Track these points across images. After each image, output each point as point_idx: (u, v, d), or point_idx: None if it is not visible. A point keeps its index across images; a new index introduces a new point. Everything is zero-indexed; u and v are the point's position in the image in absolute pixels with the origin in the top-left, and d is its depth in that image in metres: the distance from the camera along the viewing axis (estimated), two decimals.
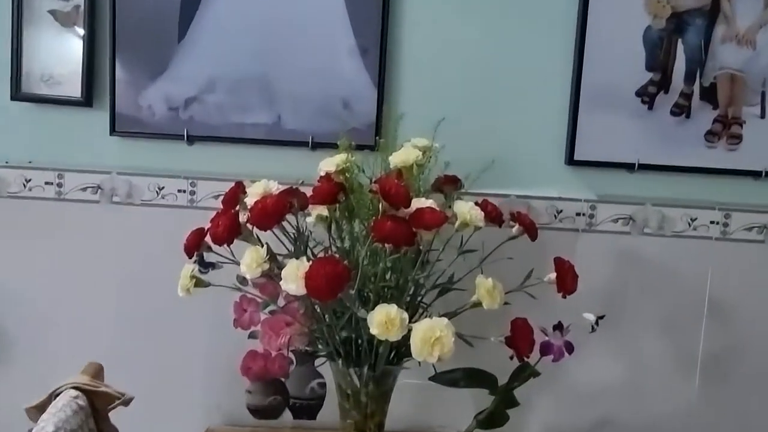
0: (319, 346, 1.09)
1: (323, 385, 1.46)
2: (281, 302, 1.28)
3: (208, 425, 1.44)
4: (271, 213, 0.91)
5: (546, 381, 1.27)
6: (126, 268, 1.42)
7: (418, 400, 1.40)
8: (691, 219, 1.42)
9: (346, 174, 1.00)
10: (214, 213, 1.09)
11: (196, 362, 1.44)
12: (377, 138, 1.29)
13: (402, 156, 1.02)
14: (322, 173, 1.02)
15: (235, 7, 1.36)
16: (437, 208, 0.93)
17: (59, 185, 1.41)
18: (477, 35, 1.38)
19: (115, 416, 1.09)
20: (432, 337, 0.84)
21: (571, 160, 1.38)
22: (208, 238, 1.04)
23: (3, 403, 0.97)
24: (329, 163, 0.99)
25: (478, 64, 1.38)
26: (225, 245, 0.98)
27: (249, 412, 1.45)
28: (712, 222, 1.42)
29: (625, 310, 1.43)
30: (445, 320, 0.87)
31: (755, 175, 1.40)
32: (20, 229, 1.42)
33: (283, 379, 1.46)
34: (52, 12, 1.35)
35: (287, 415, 1.46)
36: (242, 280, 1.17)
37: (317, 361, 1.45)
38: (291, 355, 1.45)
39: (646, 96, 1.37)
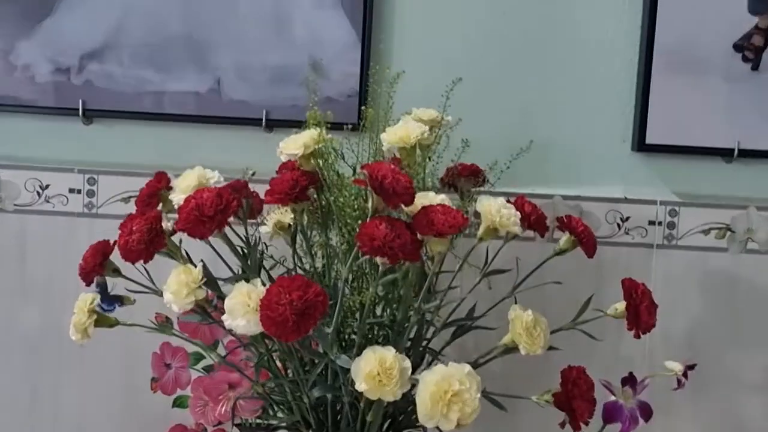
0: (279, 415, 1.08)
1: None
2: (221, 351, 1.28)
3: None
4: (208, 214, 0.90)
5: None
6: None
7: None
8: None
9: (319, 159, 0.99)
10: (116, 222, 1.08)
11: None
12: (362, 109, 1.30)
13: (400, 133, 1.01)
14: (284, 158, 1.01)
15: None
16: (452, 207, 0.92)
17: None
18: None
19: None
20: (448, 392, 0.83)
21: (641, 146, 1.40)
22: (114, 255, 1.03)
23: None
24: (294, 143, 0.99)
25: (504, 14, 1.40)
26: (140, 262, 0.97)
27: None
28: None
29: (722, 357, 1.43)
30: (467, 367, 0.86)
31: None
32: None
33: None
34: None
35: None
36: (163, 320, 1.16)
37: None
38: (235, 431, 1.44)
39: (750, 50, 1.38)
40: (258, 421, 1.37)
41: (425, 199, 0.93)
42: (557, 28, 1.41)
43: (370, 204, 0.92)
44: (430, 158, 1.09)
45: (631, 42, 1.40)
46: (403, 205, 0.91)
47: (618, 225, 1.42)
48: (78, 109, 1.38)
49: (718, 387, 1.44)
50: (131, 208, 1.34)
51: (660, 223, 1.42)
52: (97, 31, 1.38)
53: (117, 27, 1.37)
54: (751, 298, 1.44)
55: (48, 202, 1.41)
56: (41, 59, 1.38)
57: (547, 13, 1.40)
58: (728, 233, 1.43)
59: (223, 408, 1.38)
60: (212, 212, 0.90)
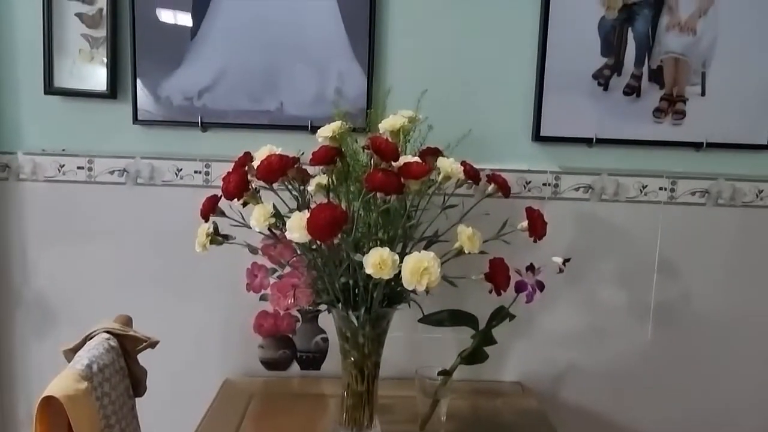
0: (322, 297, 1.07)
1: (326, 340, 1.44)
2: (287, 269, 1.27)
3: (226, 376, 1.42)
4: (275, 168, 0.89)
5: (519, 326, 1.29)
6: (151, 240, 1.40)
7: (408, 347, 1.39)
8: (642, 186, 1.42)
9: (341, 139, 0.98)
10: None
11: (215, 321, 1.42)
12: (368, 111, 1.28)
13: (390, 121, 1.00)
14: (320, 141, 1.00)
15: (241, 7, 1.34)
16: (422, 162, 0.91)
17: (89, 170, 1.39)
18: (454, 27, 1.36)
19: (143, 362, 1.07)
20: (420, 267, 0.82)
21: (537, 137, 1.37)
22: (221, 203, 1.02)
23: (51, 369, 0.94)
24: (326, 129, 0.97)
25: (456, 51, 1.37)
26: (236, 201, 0.96)
27: (261, 364, 1.44)
28: (660, 188, 1.42)
29: (586, 266, 1.41)
30: (431, 253, 0.85)
31: (697, 146, 1.40)
32: (56, 209, 1.39)
33: (290, 335, 1.44)
34: (79, 15, 1.33)
35: (295, 366, 1.45)
36: (252, 249, 1.15)
37: (320, 317, 1.44)
38: (297, 314, 1.44)
39: (602, 78, 1.36)
40: (310, 307, 1.37)
41: (406, 159, 0.92)
42: (484, 60, 1.37)
43: (371, 162, 0.91)
44: (408, 140, 1.07)
45: (530, 68, 1.37)
46: (392, 161, 0.90)
47: (524, 186, 1.40)
48: (198, 122, 1.36)
49: (584, 284, 1.43)
50: None
51: (549, 185, 1.41)
52: (209, 74, 1.35)
53: (221, 71, 1.35)
54: (604, 228, 1.42)
55: (181, 179, 1.40)
56: (176, 92, 1.36)
57: (478, 51, 1.37)
58: (590, 190, 1.41)
59: (290, 300, 1.37)
60: (277, 168, 0.89)
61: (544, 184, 1.41)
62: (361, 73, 1.35)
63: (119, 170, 1.39)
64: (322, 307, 1.08)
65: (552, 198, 1.41)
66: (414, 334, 1.38)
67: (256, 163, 0.95)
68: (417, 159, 0.91)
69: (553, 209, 1.39)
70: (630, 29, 1.35)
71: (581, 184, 1.41)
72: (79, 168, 1.39)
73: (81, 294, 1.40)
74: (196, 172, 1.39)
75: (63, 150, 1.39)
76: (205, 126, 1.37)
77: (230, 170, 0.98)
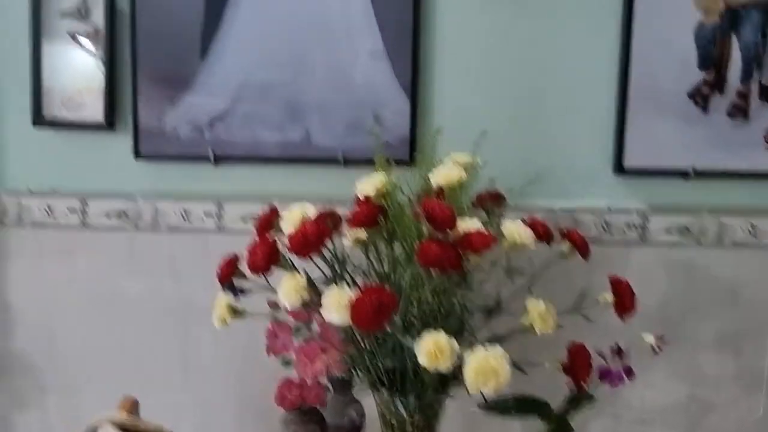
0: (359, 374, 1.09)
1: (362, 413, 1.46)
2: (315, 328, 1.30)
3: None
4: (311, 241, 0.92)
5: (602, 404, 1.29)
6: (154, 295, 1.45)
7: (465, 428, 1.40)
8: (751, 227, 1.41)
9: (386, 196, 1.00)
10: (242, 237, 1.11)
11: (229, 393, 1.47)
12: (413, 153, 1.31)
13: (444, 175, 1.03)
14: (361, 196, 1.03)
15: (259, 20, 1.39)
16: (484, 230, 0.93)
17: (83, 212, 1.45)
18: (514, 37, 1.39)
19: None
20: (487, 368, 0.84)
21: (619, 169, 1.38)
22: (243, 266, 1.06)
23: None
24: (368, 185, 1.00)
25: (515, 67, 1.39)
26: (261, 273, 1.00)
27: None
28: None
29: (684, 327, 1.41)
30: (500, 350, 0.87)
31: None
32: (45, 258, 1.46)
33: (319, 408, 1.46)
34: (72, 34, 1.39)
35: None
36: (273, 305, 1.18)
37: (356, 389, 1.46)
38: (327, 383, 1.46)
39: (700, 97, 1.36)
40: (344, 376, 1.39)
41: (464, 223, 0.94)
42: (551, 78, 1.39)
43: (425, 230, 0.93)
44: (464, 191, 1.09)
45: (609, 86, 1.38)
46: (448, 230, 0.92)
47: (603, 228, 1.41)
48: (209, 156, 1.41)
49: (682, 350, 1.42)
50: (249, 226, 1.40)
51: (635, 227, 1.41)
52: (221, 100, 1.40)
53: (235, 97, 1.40)
54: (705, 280, 1.42)
55: (189, 222, 1.44)
56: (183, 122, 1.41)
57: (543, 66, 1.39)
58: (687, 232, 1.41)
59: (318, 366, 1.39)
60: (314, 241, 0.92)
61: (629, 226, 1.41)
62: (402, 96, 1.38)
63: (117, 213, 1.45)
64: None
65: (639, 243, 1.41)
66: (471, 418, 1.39)
67: (285, 226, 0.98)
68: (477, 225, 0.93)
69: (641, 257, 1.40)
70: (735, 37, 1.35)
71: (675, 226, 1.41)
72: (71, 210, 1.45)
73: (71, 359, 1.47)
74: (206, 214, 1.44)
75: (53, 189, 1.45)
76: (218, 160, 1.42)
77: (255, 239, 1.01)
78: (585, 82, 1.39)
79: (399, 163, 1.29)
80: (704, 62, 1.36)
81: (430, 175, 1.06)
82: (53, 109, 1.41)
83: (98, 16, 1.39)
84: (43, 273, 1.46)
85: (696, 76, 1.36)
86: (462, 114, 1.39)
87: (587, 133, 1.40)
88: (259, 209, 1.38)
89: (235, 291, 1.31)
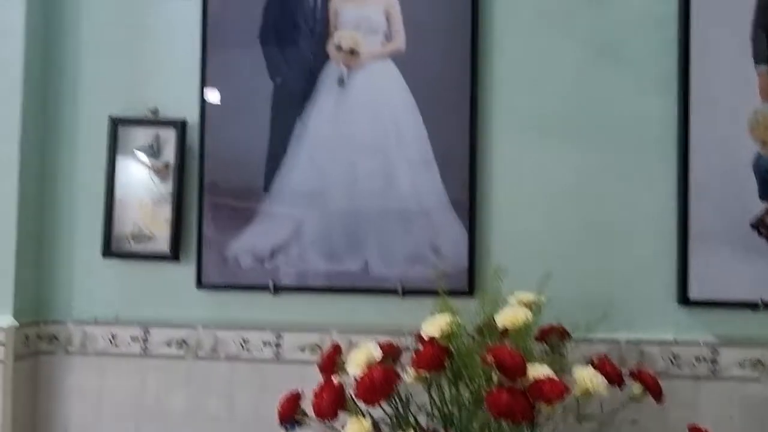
0: None
1: None
2: None
3: None
4: (379, 388, 0.92)
5: None
6: (212, 426, 1.44)
7: None
8: None
9: (451, 338, 1.00)
10: (300, 367, 1.09)
11: None
12: (473, 283, 1.31)
13: (510, 318, 1.02)
14: (424, 336, 1.03)
15: (318, 157, 1.44)
16: (555, 378, 0.91)
17: (144, 341, 1.48)
18: (572, 174, 1.41)
19: None
20: None
21: (684, 300, 1.36)
22: (303, 402, 1.05)
23: None
24: (433, 326, 1.00)
25: (573, 198, 1.41)
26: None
27: None
28: None
29: None
30: None
31: None
32: (107, 386, 1.48)
33: None
34: (144, 168, 1.47)
35: None
36: None
37: None
38: None
39: (764, 227, 1.35)
40: None
41: (534, 370, 0.93)
42: (609, 210, 1.40)
43: (495, 378, 0.92)
44: (529, 331, 1.08)
45: (668, 217, 1.38)
46: (519, 378, 0.90)
47: (671, 362, 1.36)
48: (269, 286, 1.43)
49: None
50: (307, 356, 1.40)
51: (705, 360, 1.36)
52: (283, 231, 1.44)
53: (297, 227, 1.44)
54: None
55: (248, 352, 1.45)
56: (245, 252, 1.45)
57: (600, 197, 1.40)
58: (760, 366, 1.36)
59: None
60: (382, 388, 0.91)
61: (698, 359, 1.36)
62: (460, 227, 1.40)
63: (178, 341, 1.47)
64: None
65: (710, 377, 1.36)
66: None
67: (351, 369, 0.98)
68: (548, 372, 0.91)
69: (712, 392, 1.34)
70: None
71: (748, 359, 1.36)
72: (133, 339, 1.48)
73: None
74: (265, 343, 1.45)
75: (116, 318, 1.48)
76: (278, 289, 1.44)
77: (321, 383, 1.01)
78: (644, 213, 1.39)
79: (458, 294, 1.30)
80: (765, 192, 1.35)
81: (497, 318, 1.05)
82: (122, 241, 1.47)
83: (169, 153, 1.47)
84: (104, 403, 1.47)
85: (758, 206, 1.35)
86: (520, 244, 1.40)
87: (649, 264, 1.38)
88: (318, 339, 1.41)
89: (294, 426, 1.30)
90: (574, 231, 1.40)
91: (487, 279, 1.32)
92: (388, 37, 1.44)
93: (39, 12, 1.48)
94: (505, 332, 1.05)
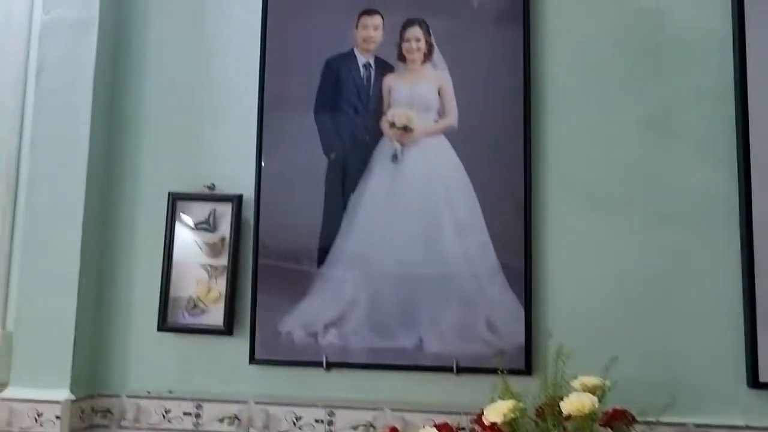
0: None
1: None
2: None
3: None
4: None
5: None
6: None
7: None
8: None
9: (513, 423, 0.97)
10: None
11: None
12: (530, 361, 1.29)
13: (576, 405, 0.99)
14: (486, 422, 1.00)
15: (371, 231, 1.45)
16: None
17: (197, 416, 1.47)
18: (630, 248, 1.38)
19: None
20: None
21: (755, 383, 1.30)
22: None
23: None
24: (495, 412, 0.98)
25: (632, 278, 1.38)
26: None
27: None
28: None
29: None
30: None
31: None
32: None
33: None
34: (200, 244, 1.50)
35: None
36: None
37: None
38: None
39: None
40: None
41: None
42: (670, 286, 1.36)
43: None
44: (594, 417, 1.04)
45: (733, 292, 1.33)
46: None
47: None
48: (322, 362, 1.42)
49: None
50: None
51: None
52: (336, 306, 1.44)
53: (350, 305, 1.44)
54: None
55: (300, 429, 1.43)
56: (299, 327, 1.45)
57: (661, 274, 1.37)
58: None
59: None
60: None
61: None
62: (516, 303, 1.38)
63: (230, 417, 1.46)
64: None
65: None
66: None
67: None
68: None
69: None
70: None
71: None
72: (185, 414, 1.48)
73: None
74: (317, 420, 1.43)
75: (170, 392, 1.49)
76: (330, 365, 1.43)
77: None
78: (709, 292, 1.35)
79: (515, 372, 1.27)
80: None
81: (562, 405, 1.02)
82: (177, 315, 1.48)
83: (225, 227, 1.50)
84: None
85: None
86: (579, 323, 1.36)
87: (717, 345, 1.34)
88: (371, 417, 1.39)
89: None
90: (636, 310, 1.36)
91: (546, 358, 1.29)
92: (441, 113, 1.46)
93: (105, 97, 1.55)
94: (568, 417, 1.01)
